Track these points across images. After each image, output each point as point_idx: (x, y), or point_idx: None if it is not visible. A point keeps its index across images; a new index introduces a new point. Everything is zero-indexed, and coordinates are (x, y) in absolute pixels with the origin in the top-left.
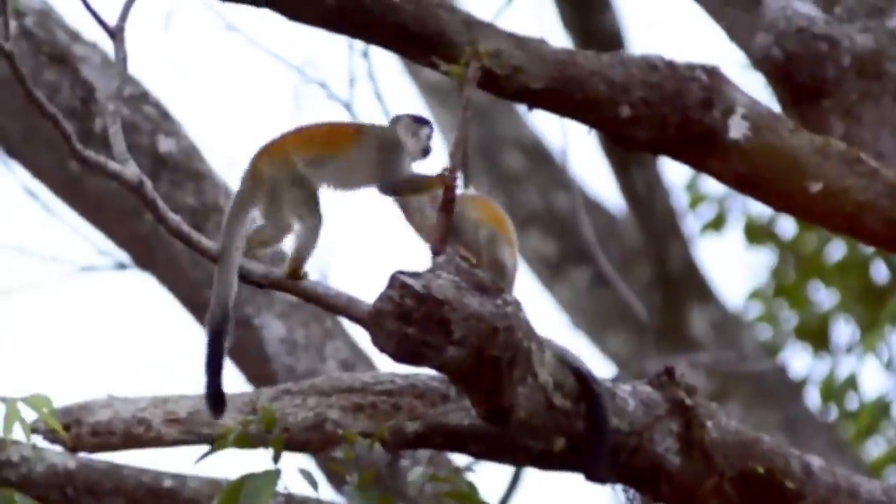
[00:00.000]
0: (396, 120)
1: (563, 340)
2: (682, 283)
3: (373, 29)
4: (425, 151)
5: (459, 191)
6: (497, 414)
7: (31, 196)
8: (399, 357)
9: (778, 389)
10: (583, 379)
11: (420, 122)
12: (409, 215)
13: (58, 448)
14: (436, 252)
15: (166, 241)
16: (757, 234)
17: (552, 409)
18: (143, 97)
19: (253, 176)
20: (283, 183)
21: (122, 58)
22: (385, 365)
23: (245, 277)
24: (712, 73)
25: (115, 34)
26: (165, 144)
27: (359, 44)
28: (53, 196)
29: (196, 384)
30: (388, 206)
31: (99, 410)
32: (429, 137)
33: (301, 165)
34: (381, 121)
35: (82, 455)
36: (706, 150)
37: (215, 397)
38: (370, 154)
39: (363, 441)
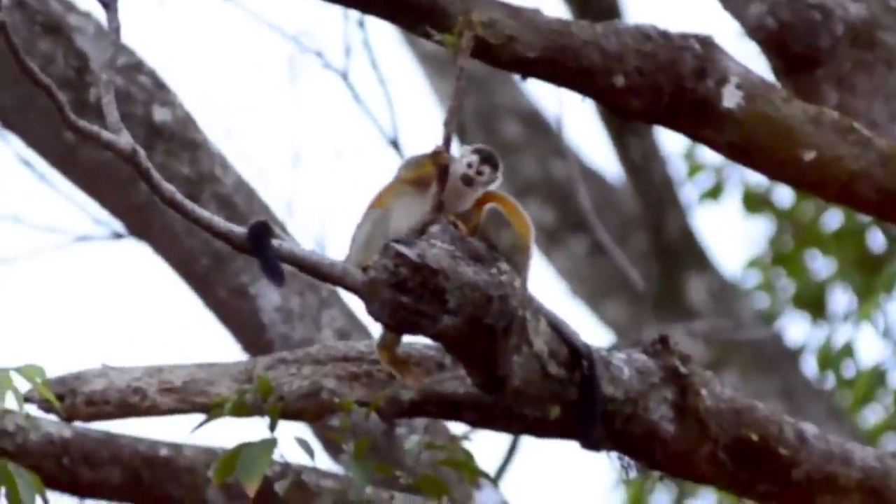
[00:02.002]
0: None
1: (558, 308)
2: (679, 252)
3: None
4: (465, 178)
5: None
6: (492, 382)
7: (26, 166)
8: (394, 326)
9: (775, 358)
10: (575, 349)
11: (476, 151)
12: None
13: (53, 418)
14: (430, 221)
15: (161, 211)
16: (754, 202)
17: (547, 377)
18: (137, 67)
19: None
20: None
21: (115, 27)
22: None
23: (240, 246)
24: (706, 42)
25: (109, 4)
26: (160, 114)
27: (354, 13)
28: (48, 166)
29: (191, 352)
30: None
31: (94, 380)
32: (470, 165)
33: None
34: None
35: (78, 424)
36: (700, 120)
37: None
38: None
39: (359, 410)
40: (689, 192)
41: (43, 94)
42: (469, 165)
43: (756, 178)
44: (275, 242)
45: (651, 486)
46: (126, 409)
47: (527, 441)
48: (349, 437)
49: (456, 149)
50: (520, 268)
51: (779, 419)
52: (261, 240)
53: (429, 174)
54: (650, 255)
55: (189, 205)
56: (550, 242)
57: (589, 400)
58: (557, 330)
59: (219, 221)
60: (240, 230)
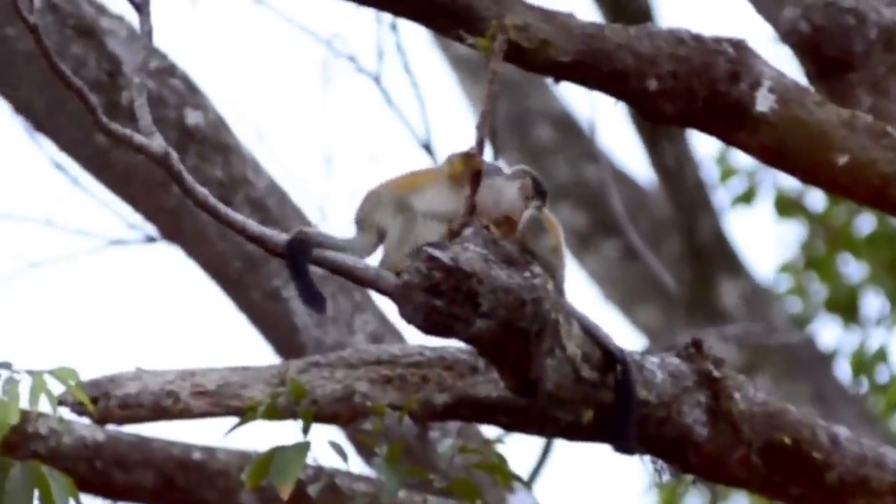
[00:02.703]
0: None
1: (591, 313)
2: (712, 256)
3: (400, 1)
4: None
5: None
6: (525, 386)
7: (59, 169)
8: (427, 329)
9: (807, 362)
10: (609, 353)
11: (534, 182)
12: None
13: (86, 421)
14: (462, 225)
15: (194, 214)
16: (787, 207)
17: (580, 380)
18: (169, 70)
19: None
20: None
21: (147, 30)
22: (414, 337)
23: (273, 250)
24: (739, 46)
25: (141, 7)
26: (193, 117)
27: (387, 17)
28: (81, 169)
29: (224, 356)
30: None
31: (127, 383)
32: (527, 197)
33: None
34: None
35: (111, 427)
36: (733, 123)
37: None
38: None
39: (392, 413)
40: (721, 197)
41: (75, 98)
42: (526, 196)
43: (788, 183)
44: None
45: (684, 489)
46: (159, 412)
47: (560, 444)
48: (382, 441)
49: (489, 153)
50: (557, 271)
51: (812, 422)
52: (299, 263)
53: (461, 173)
54: (683, 259)
55: (222, 208)
56: (583, 246)
57: (625, 404)
58: (591, 333)
59: (252, 225)
60: (272, 233)
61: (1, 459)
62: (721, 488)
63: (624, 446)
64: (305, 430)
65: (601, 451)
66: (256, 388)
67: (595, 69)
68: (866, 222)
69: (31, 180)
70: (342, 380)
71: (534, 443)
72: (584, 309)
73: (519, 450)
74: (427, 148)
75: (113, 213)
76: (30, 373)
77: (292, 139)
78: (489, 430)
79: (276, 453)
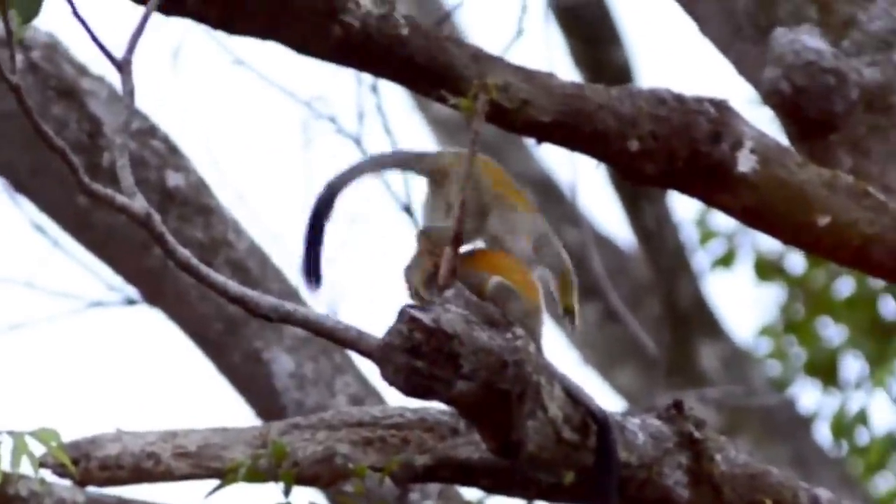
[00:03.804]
0: None
1: (572, 375)
2: (691, 319)
3: (381, 62)
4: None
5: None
6: (507, 448)
7: (39, 231)
8: (408, 391)
9: (787, 425)
10: (594, 416)
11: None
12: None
13: (66, 482)
14: (444, 286)
15: (175, 276)
16: (766, 270)
17: (561, 442)
18: (150, 131)
19: None
20: None
21: (129, 91)
22: (394, 399)
23: (254, 311)
24: (721, 106)
25: (123, 67)
26: (174, 179)
27: (368, 78)
28: (61, 231)
29: (205, 418)
30: (398, 240)
31: (108, 444)
32: None
33: None
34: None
35: (91, 489)
36: (715, 184)
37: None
38: None
39: (373, 475)
40: (701, 259)
41: (56, 158)
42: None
43: (768, 245)
44: (289, 307)
45: None
46: (140, 473)
47: None
48: (363, 503)
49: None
50: (533, 331)
51: (793, 485)
52: (318, 228)
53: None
54: (662, 321)
55: (203, 269)
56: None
57: (606, 465)
58: (573, 395)
59: (233, 286)
60: (253, 294)
61: None
62: None
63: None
64: (287, 492)
65: None
66: (238, 450)
67: (576, 129)
68: (845, 285)
69: (12, 242)
70: (323, 441)
71: None
72: (565, 370)
73: None
74: (407, 210)
75: (93, 275)
76: (11, 434)
77: (273, 200)
78: (470, 493)
79: None
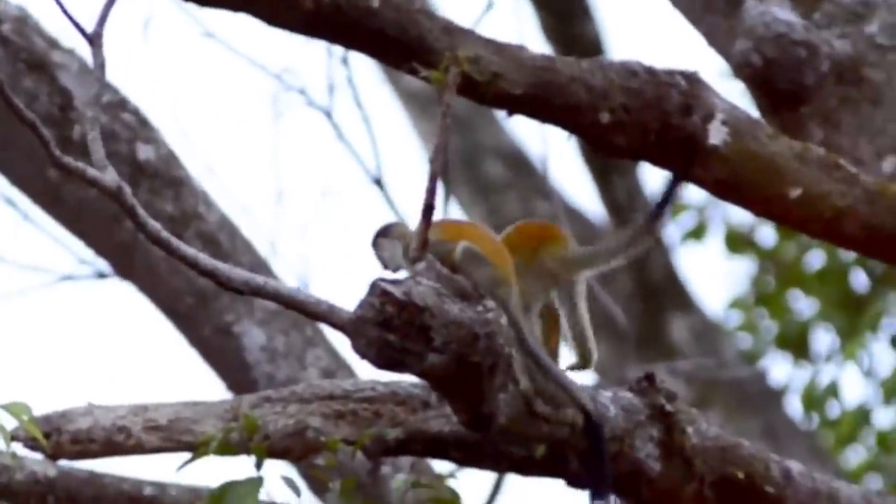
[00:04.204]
0: None
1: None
2: (662, 292)
3: (352, 34)
4: None
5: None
6: (478, 421)
7: (10, 204)
8: (380, 364)
9: (758, 397)
10: (587, 417)
11: None
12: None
13: (38, 456)
14: (415, 259)
15: (146, 249)
16: (737, 242)
17: (533, 415)
18: (121, 104)
19: None
20: None
21: (99, 64)
22: (366, 372)
23: (225, 284)
24: (692, 78)
25: (93, 40)
26: (144, 152)
27: (338, 50)
28: (32, 204)
29: (176, 391)
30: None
31: (79, 418)
32: None
33: None
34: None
35: (63, 463)
36: (686, 156)
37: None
38: None
39: (345, 448)
40: (672, 232)
41: (27, 131)
42: None
43: (739, 218)
44: (260, 280)
45: None
46: (111, 447)
47: (512, 479)
48: (335, 476)
49: (441, 189)
50: (503, 300)
51: (765, 457)
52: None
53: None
54: (633, 294)
55: (174, 242)
56: None
57: (600, 467)
58: (566, 391)
59: (204, 259)
60: (224, 267)
61: None
62: None
63: (603, 496)
64: (258, 466)
65: (553, 486)
66: (209, 423)
67: (547, 102)
68: (816, 258)
69: None
70: (295, 415)
71: (486, 478)
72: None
73: (471, 485)
74: (378, 183)
75: (64, 249)
76: None
77: (243, 173)
78: (442, 465)
79: (229, 489)
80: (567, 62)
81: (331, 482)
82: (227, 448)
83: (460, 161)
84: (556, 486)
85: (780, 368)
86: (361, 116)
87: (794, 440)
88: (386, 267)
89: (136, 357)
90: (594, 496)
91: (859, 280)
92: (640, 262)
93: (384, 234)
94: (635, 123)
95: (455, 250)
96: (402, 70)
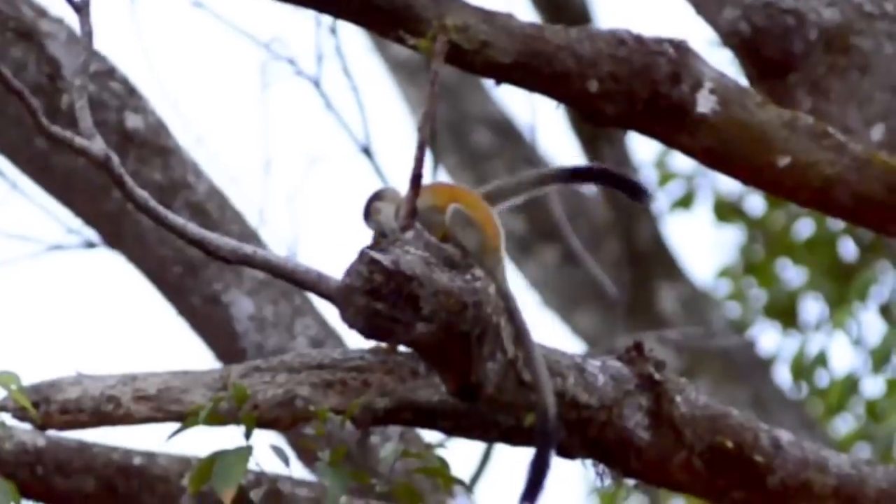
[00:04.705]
0: None
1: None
2: (650, 261)
3: (340, 3)
4: None
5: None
6: (466, 390)
7: None
8: (368, 333)
9: (747, 366)
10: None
11: None
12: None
13: (27, 426)
14: (403, 228)
15: (134, 219)
16: (725, 211)
17: (522, 384)
18: (109, 73)
19: None
20: None
21: (87, 32)
22: (355, 341)
23: (213, 253)
24: (680, 47)
25: (81, 9)
26: (132, 121)
27: (326, 19)
28: (20, 174)
29: (165, 361)
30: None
31: (68, 388)
32: None
33: None
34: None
35: (51, 433)
36: (675, 125)
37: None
38: None
39: (334, 417)
40: (660, 201)
41: (14, 101)
42: None
43: (727, 187)
44: (248, 249)
45: (625, 494)
46: (101, 417)
47: (501, 449)
48: (324, 446)
49: (429, 157)
50: (491, 268)
51: (754, 426)
52: None
53: None
54: (621, 263)
55: (163, 211)
56: (521, 252)
57: (539, 470)
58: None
59: (192, 228)
60: (213, 237)
61: None
62: (661, 493)
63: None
64: (247, 435)
65: None
66: (198, 393)
67: (535, 71)
68: (805, 227)
69: None
70: (283, 384)
71: (475, 447)
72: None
73: (460, 454)
74: (366, 152)
75: (52, 218)
76: None
77: (231, 142)
78: (430, 435)
79: (218, 458)
80: (555, 31)
81: (320, 451)
82: (217, 418)
83: (448, 130)
84: None
85: (768, 337)
86: (350, 85)
87: (783, 409)
88: (382, 232)
89: (124, 327)
90: (523, 499)
91: (848, 249)
92: (629, 230)
93: (378, 198)
94: (623, 92)
95: (446, 214)
96: (390, 39)
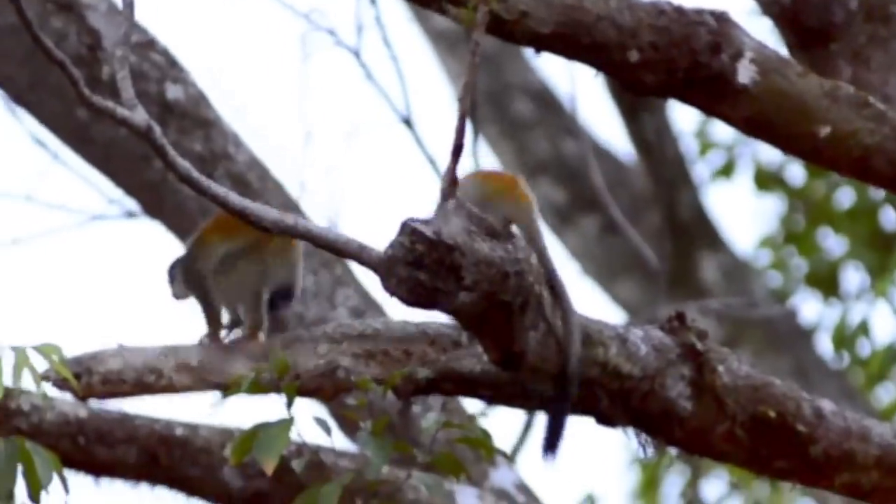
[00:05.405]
0: None
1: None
2: (691, 230)
3: None
4: None
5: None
6: (509, 359)
7: (39, 144)
8: (411, 303)
9: (788, 336)
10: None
11: None
12: None
13: (68, 397)
14: (445, 197)
15: (175, 189)
16: (766, 180)
17: (563, 353)
18: (150, 45)
19: None
20: None
21: (128, 3)
22: (396, 312)
23: (254, 223)
24: (720, 17)
25: None
26: (173, 92)
27: None
28: (62, 144)
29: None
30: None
31: (110, 359)
32: None
33: None
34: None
35: (93, 404)
36: (715, 95)
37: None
38: None
39: (376, 388)
40: (701, 171)
41: (56, 71)
42: None
43: (768, 156)
44: (290, 219)
45: (668, 463)
46: (142, 387)
47: (542, 418)
48: (365, 416)
49: (469, 127)
50: (534, 238)
51: (796, 395)
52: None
53: None
54: (662, 233)
55: (204, 181)
56: (562, 222)
57: (558, 422)
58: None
59: (234, 198)
60: (254, 206)
61: None
62: (703, 463)
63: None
64: (289, 406)
65: (584, 425)
66: (239, 364)
67: (575, 41)
68: (846, 196)
69: (11, 155)
70: (325, 354)
71: (517, 416)
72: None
73: (502, 424)
74: (407, 122)
75: (93, 188)
76: (13, 348)
77: (272, 113)
78: (472, 405)
79: (260, 429)
80: (595, 1)
81: (361, 422)
82: (258, 388)
83: (488, 100)
84: (586, 423)
85: (810, 307)
86: (390, 56)
87: (825, 379)
88: None
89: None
90: (545, 451)
91: (889, 218)
92: (670, 200)
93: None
94: (664, 62)
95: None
96: (431, 9)
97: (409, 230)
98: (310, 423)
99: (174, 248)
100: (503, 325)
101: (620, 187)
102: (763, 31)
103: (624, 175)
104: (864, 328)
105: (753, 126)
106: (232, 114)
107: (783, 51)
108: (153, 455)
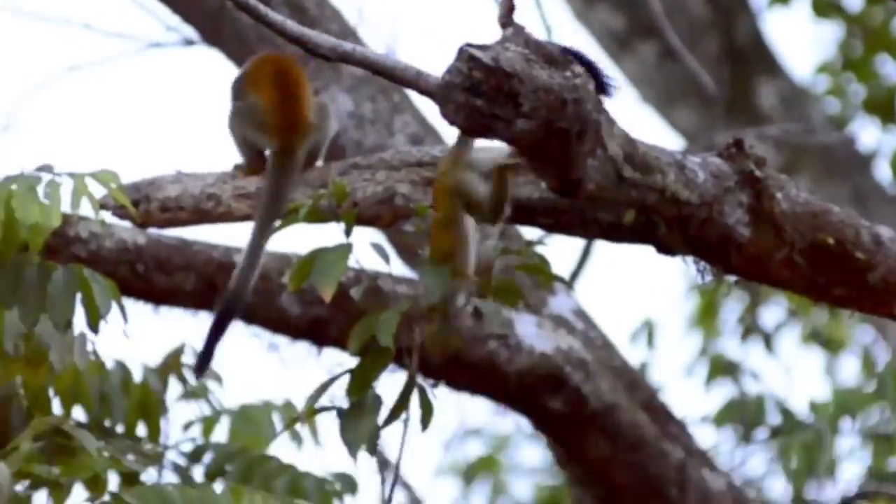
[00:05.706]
0: None
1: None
2: (750, 57)
3: None
4: None
5: None
6: (567, 186)
7: None
8: (468, 129)
9: (847, 163)
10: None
11: None
12: None
13: (127, 224)
14: (503, 25)
15: (233, 16)
16: (824, 6)
17: (622, 181)
18: None
19: None
20: None
21: None
22: (454, 139)
23: (312, 50)
24: None
25: None
26: None
27: None
28: None
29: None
30: None
31: (168, 186)
32: None
33: None
34: None
35: (151, 231)
36: None
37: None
38: None
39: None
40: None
41: None
42: None
43: None
44: (348, 46)
45: (726, 291)
46: (200, 214)
47: (601, 245)
48: (423, 243)
49: None
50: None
51: (855, 222)
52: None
53: None
54: (720, 60)
55: (262, 9)
56: (620, 48)
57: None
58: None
59: (292, 25)
60: (312, 34)
61: (43, 263)
62: (761, 290)
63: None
64: (347, 232)
65: (642, 253)
66: (297, 191)
67: None
68: None
69: None
70: (383, 181)
71: (575, 244)
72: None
73: (560, 251)
74: None
75: (151, 16)
76: (71, 176)
77: None
78: (530, 232)
79: (318, 256)
80: None
81: (420, 249)
82: (317, 215)
83: None
84: (645, 251)
85: (868, 133)
86: None
87: (883, 205)
88: None
89: (223, 125)
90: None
91: None
92: (727, 26)
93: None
94: None
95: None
96: None
97: (466, 56)
98: (368, 249)
99: (232, 76)
100: (561, 152)
101: (678, 13)
102: None
103: (681, 1)
104: None
105: None
106: None
107: None
108: (211, 282)
